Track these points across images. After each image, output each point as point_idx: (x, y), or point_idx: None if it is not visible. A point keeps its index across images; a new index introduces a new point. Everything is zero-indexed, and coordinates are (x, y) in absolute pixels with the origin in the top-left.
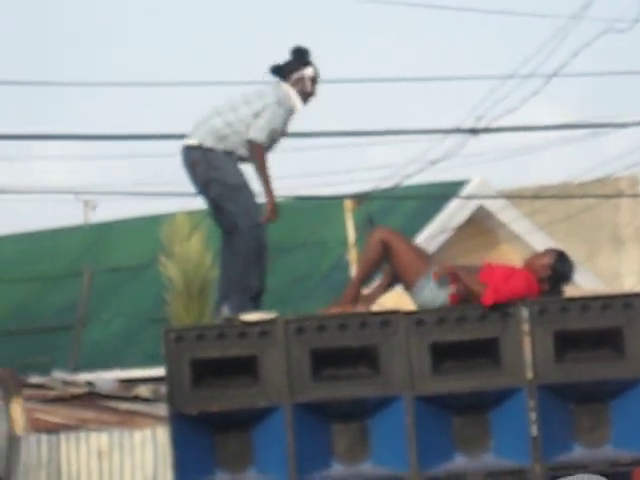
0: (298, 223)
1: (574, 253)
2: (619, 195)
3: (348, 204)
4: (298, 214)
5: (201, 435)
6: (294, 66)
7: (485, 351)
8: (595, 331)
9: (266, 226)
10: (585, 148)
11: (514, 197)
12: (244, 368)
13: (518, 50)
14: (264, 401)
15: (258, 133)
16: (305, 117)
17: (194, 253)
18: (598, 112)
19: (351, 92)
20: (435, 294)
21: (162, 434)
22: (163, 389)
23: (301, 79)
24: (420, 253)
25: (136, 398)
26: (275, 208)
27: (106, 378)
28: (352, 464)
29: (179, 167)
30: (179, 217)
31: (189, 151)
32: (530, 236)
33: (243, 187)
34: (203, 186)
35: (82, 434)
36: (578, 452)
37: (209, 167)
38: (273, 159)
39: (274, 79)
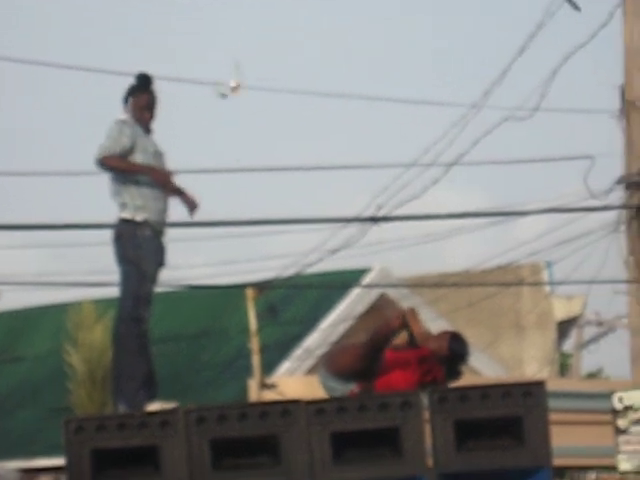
0: (199, 312)
1: (476, 340)
2: (521, 283)
3: (250, 292)
4: (199, 303)
5: None
6: (132, 92)
7: (386, 440)
8: (495, 419)
9: (147, 311)
10: (487, 236)
11: (416, 285)
12: (145, 458)
13: (419, 138)
14: None
15: (99, 151)
16: (209, 206)
17: (98, 341)
18: (501, 200)
19: (253, 181)
20: (340, 387)
21: None
22: (64, 479)
23: (137, 104)
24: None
25: None
26: (162, 176)
27: (9, 467)
28: None
29: (83, 256)
30: (85, 305)
31: (120, 225)
32: (433, 324)
33: (148, 277)
34: (121, 262)
35: None
36: None
37: (132, 245)
38: (175, 247)
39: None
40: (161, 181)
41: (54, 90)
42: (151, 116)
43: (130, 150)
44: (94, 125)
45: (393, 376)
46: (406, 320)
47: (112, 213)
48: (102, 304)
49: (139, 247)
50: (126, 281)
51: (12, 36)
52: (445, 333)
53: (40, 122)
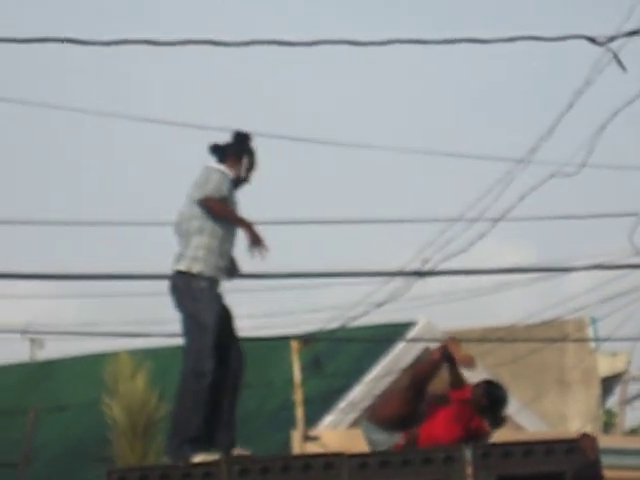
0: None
1: (520, 395)
2: (565, 339)
3: (295, 345)
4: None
5: None
6: (233, 149)
7: None
8: (538, 476)
9: (210, 364)
10: (533, 291)
11: (461, 339)
12: None
13: (466, 193)
14: None
15: (204, 191)
16: (253, 259)
17: (138, 392)
18: (548, 255)
19: (297, 234)
20: (384, 439)
21: None
22: None
23: (238, 164)
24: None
25: None
26: (257, 235)
27: None
28: None
29: (123, 306)
30: (122, 356)
31: (175, 277)
32: (477, 378)
33: (208, 329)
34: (181, 314)
35: None
36: None
37: (189, 298)
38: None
39: (211, 158)
40: (253, 239)
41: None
42: (247, 175)
43: (225, 202)
44: (137, 177)
45: (436, 424)
46: (446, 349)
47: (146, 264)
48: (139, 354)
49: (196, 299)
50: (187, 335)
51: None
52: (481, 382)
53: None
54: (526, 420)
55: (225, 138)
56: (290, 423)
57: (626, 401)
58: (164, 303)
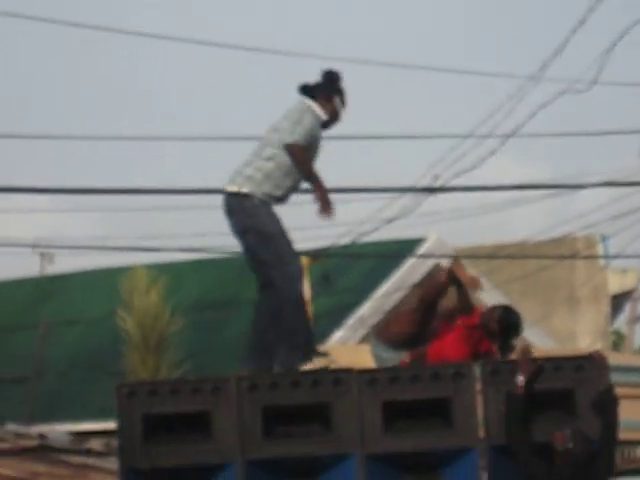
0: (253, 279)
1: (529, 312)
2: (575, 256)
3: (304, 261)
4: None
5: None
6: (323, 89)
7: (437, 410)
8: (548, 392)
9: (301, 277)
10: (544, 208)
11: (471, 256)
12: (196, 424)
13: (477, 110)
14: (216, 458)
15: (294, 136)
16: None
17: (152, 306)
18: (560, 173)
19: None
20: (392, 357)
21: None
22: (116, 443)
23: (330, 104)
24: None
25: (89, 451)
26: (328, 201)
27: (59, 431)
28: None
29: (140, 220)
30: (138, 270)
31: (227, 198)
32: (486, 295)
33: (278, 236)
34: (239, 234)
35: None
36: None
37: (245, 215)
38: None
39: (300, 97)
40: (322, 200)
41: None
42: (338, 115)
43: (312, 147)
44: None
45: (445, 344)
46: (452, 272)
47: (163, 178)
48: (154, 269)
49: (253, 215)
50: (260, 251)
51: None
52: (495, 307)
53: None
54: (535, 337)
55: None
56: None
57: (636, 319)
58: (178, 218)
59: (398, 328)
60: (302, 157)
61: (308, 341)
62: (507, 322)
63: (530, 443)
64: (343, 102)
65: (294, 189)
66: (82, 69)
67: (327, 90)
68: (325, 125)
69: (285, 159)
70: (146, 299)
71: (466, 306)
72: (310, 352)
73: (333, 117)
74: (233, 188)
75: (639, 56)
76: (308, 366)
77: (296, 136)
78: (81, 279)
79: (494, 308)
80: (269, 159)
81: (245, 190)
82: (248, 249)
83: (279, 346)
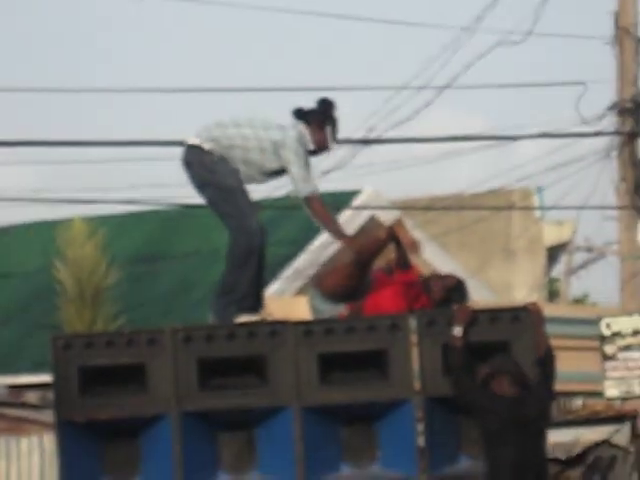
0: (189, 231)
1: (466, 264)
2: (511, 207)
3: None
4: (190, 222)
5: (88, 443)
6: (317, 117)
7: (373, 362)
8: (486, 343)
9: (261, 231)
10: (480, 160)
11: (406, 208)
12: (132, 376)
13: (412, 61)
14: (151, 409)
15: (310, 187)
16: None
17: (89, 259)
18: (496, 125)
19: (247, 100)
20: (329, 309)
21: (49, 441)
22: (51, 396)
23: (321, 132)
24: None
25: (24, 404)
26: (349, 243)
27: None
28: (239, 473)
29: (77, 173)
30: (76, 222)
31: (187, 150)
32: (423, 247)
33: (237, 190)
34: (199, 188)
35: None
36: (464, 464)
37: (204, 169)
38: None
39: (294, 122)
40: (352, 249)
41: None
42: (330, 145)
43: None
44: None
45: (382, 298)
46: (393, 231)
47: (106, 132)
48: (93, 222)
49: (212, 170)
50: (218, 204)
51: None
52: (449, 278)
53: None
54: (471, 289)
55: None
56: None
57: (571, 270)
58: (118, 170)
59: (335, 280)
60: (322, 212)
61: (249, 297)
62: (456, 296)
63: (480, 391)
64: (334, 132)
65: (250, 181)
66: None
67: (320, 118)
68: (311, 153)
69: (254, 157)
70: (82, 251)
71: (403, 262)
72: (248, 308)
73: (320, 147)
74: (195, 141)
75: (573, 8)
76: (242, 319)
77: (311, 187)
78: (17, 232)
79: (447, 277)
80: (240, 145)
81: (207, 147)
82: (209, 203)
83: (219, 297)
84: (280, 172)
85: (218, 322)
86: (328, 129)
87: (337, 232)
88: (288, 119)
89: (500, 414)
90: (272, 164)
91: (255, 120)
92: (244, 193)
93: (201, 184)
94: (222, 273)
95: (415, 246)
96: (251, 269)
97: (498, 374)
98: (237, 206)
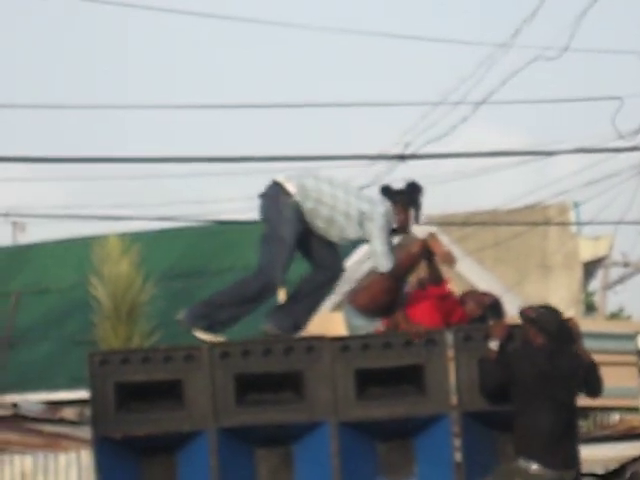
0: (224, 247)
1: (502, 279)
2: (548, 223)
3: None
4: (224, 238)
5: (125, 459)
6: (403, 198)
7: (410, 377)
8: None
9: (274, 287)
10: (516, 175)
11: (443, 223)
12: (169, 392)
13: (449, 77)
14: (188, 425)
15: (387, 263)
16: (242, 142)
17: (124, 275)
18: (533, 140)
19: (285, 117)
20: (364, 324)
21: (87, 457)
22: (89, 412)
23: (405, 213)
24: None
25: (61, 421)
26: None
27: (32, 400)
28: None
29: (110, 190)
30: (111, 239)
31: (271, 185)
32: (459, 262)
33: (284, 242)
34: (262, 219)
35: (6, 457)
36: None
37: (273, 206)
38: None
39: (382, 198)
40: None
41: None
42: (410, 227)
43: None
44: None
45: (418, 312)
46: (427, 244)
47: (139, 147)
48: (127, 238)
49: (280, 212)
50: (264, 242)
51: None
52: (487, 296)
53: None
54: (508, 304)
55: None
56: (272, 307)
57: (607, 285)
58: (150, 186)
59: (369, 296)
60: (388, 293)
61: (224, 322)
62: (492, 314)
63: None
64: (417, 217)
65: (327, 237)
66: (68, 38)
67: (406, 201)
68: (391, 232)
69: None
70: (118, 268)
71: (435, 277)
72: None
73: (401, 228)
74: (282, 180)
75: (610, 23)
76: (205, 336)
77: (386, 261)
78: (53, 248)
79: (485, 294)
80: (329, 204)
81: (290, 189)
82: (262, 235)
83: (203, 306)
84: (357, 241)
85: (186, 325)
86: (412, 212)
87: (401, 320)
88: (376, 194)
89: (536, 362)
90: (353, 233)
91: (350, 187)
92: (289, 248)
93: (264, 217)
94: (220, 290)
95: (449, 258)
96: (242, 306)
97: (539, 330)
98: (275, 254)
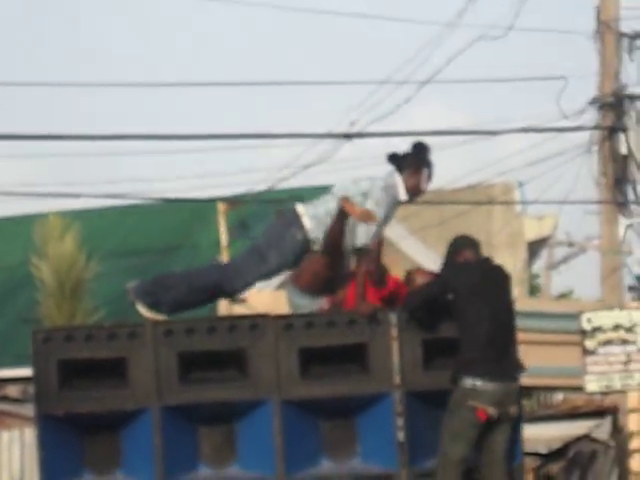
0: (171, 225)
1: None
2: (492, 202)
3: (221, 207)
4: (171, 216)
5: (68, 436)
6: (412, 161)
7: (353, 356)
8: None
9: (222, 294)
10: (461, 155)
11: None
12: (112, 370)
13: (393, 56)
14: (132, 403)
15: (364, 238)
16: (185, 119)
17: (67, 253)
18: (479, 120)
19: (228, 95)
20: (308, 303)
21: (30, 434)
22: (32, 389)
23: (416, 176)
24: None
25: (4, 398)
26: (363, 311)
27: None
28: (219, 467)
29: (54, 167)
30: (52, 217)
31: (293, 210)
32: (403, 241)
33: (264, 264)
34: (264, 231)
35: None
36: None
37: (282, 231)
38: (152, 160)
39: (389, 167)
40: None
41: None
42: (425, 188)
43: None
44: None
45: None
46: (342, 208)
47: (82, 124)
48: (69, 216)
49: (281, 238)
50: (245, 256)
51: None
52: (433, 275)
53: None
54: None
55: None
56: None
57: (552, 265)
58: (99, 164)
59: (311, 274)
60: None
61: (173, 304)
62: None
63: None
64: (430, 175)
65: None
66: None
67: (416, 162)
68: (411, 195)
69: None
70: (60, 246)
71: (379, 280)
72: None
73: (414, 192)
74: (301, 211)
75: (555, 2)
76: (147, 313)
77: (365, 238)
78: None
79: (429, 273)
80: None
81: (305, 223)
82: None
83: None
84: (392, 212)
85: (133, 298)
86: (424, 173)
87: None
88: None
89: (472, 273)
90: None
91: (348, 184)
92: (264, 274)
93: (268, 232)
94: (178, 269)
95: (366, 215)
96: (190, 293)
97: (460, 248)
98: (250, 268)
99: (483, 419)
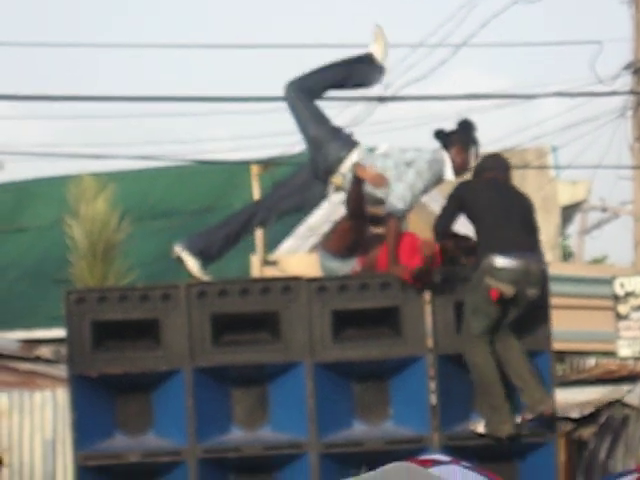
0: (205, 188)
1: None
2: (526, 166)
3: (254, 169)
4: (205, 179)
5: (101, 397)
6: (459, 138)
7: (386, 319)
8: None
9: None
10: (495, 119)
11: None
12: (145, 331)
13: (428, 20)
14: (165, 364)
15: (397, 203)
16: (222, 82)
17: (100, 214)
18: (516, 84)
19: (263, 59)
20: (338, 266)
21: (62, 395)
22: (64, 350)
23: (463, 153)
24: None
25: (37, 359)
26: (404, 275)
27: (8, 338)
28: (251, 429)
29: (90, 129)
30: (86, 178)
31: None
32: (434, 203)
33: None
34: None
35: None
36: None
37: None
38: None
39: (436, 144)
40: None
41: None
42: (467, 164)
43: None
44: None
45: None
46: (355, 174)
47: (118, 85)
48: (103, 177)
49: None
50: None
51: None
52: (466, 240)
53: None
54: None
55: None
56: (249, 248)
57: (585, 230)
58: (132, 125)
59: (338, 238)
60: (393, 230)
61: (212, 254)
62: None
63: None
64: (477, 153)
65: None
66: None
67: (463, 140)
68: (456, 173)
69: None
70: (93, 207)
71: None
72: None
73: (460, 169)
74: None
75: None
76: (190, 262)
77: (399, 202)
78: (30, 187)
79: (463, 238)
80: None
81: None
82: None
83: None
84: (432, 186)
85: (181, 247)
86: (472, 151)
87: (394, 259)
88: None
89: (489, 188)
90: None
91: (396, 152)
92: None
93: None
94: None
95: (379, 180)
96: (230, 237)
97: (485, 170)
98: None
99: (495, 298)
